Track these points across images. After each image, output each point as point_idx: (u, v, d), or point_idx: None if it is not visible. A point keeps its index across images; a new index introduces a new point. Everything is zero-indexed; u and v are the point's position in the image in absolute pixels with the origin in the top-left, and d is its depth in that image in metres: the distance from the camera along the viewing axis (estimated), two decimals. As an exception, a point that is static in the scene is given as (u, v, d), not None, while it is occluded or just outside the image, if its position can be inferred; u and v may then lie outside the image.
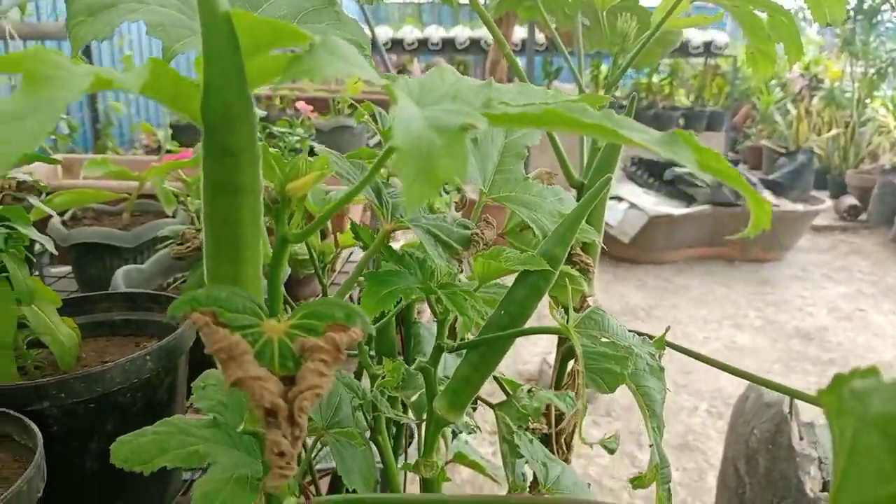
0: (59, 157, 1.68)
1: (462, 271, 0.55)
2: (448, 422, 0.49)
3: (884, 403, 0.17)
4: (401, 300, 0.69)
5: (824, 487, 1.19)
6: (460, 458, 0.79)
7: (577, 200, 0.77)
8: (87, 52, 2.63)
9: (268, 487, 0.26)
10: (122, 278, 1.04)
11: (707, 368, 2.95)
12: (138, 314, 0.89)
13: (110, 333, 0.90)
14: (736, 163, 5.93)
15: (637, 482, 0.47)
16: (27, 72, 0.23)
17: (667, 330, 0.59)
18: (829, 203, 4.58)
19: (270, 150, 0.61)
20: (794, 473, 1.19)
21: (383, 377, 0.58)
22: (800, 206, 4.18)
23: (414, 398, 0.58)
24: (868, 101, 6.15)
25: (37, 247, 1.50)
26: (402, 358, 0.72)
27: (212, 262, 0.32)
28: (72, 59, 0.30)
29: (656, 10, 0.82)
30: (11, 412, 0.60)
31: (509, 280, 0.55)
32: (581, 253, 0.72)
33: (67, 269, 1.45)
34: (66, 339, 0.76)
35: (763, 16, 0.86)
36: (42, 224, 1.37)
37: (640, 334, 0.53)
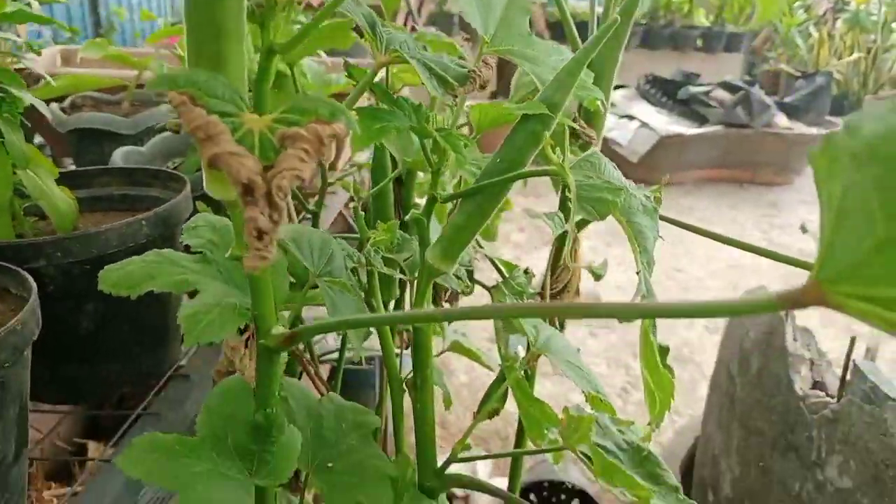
0: (58, 48, 1.64)
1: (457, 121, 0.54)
2: (440, 271, 0.49)
3: (876, 123, 0.17)
4: (396, 167, 0.67)
5: (814, 387, 1.21)
6: (456, 347, 0.80)
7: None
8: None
9: (246, 268, 0.26)
10: (120, 158, 1.04)
11: (706, 287, 2.97)
12: (137, 189, 0.89)
13: (108, 208, 0.90)
14: (752, 84, 5.78)
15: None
16: None
17: (665, 182, 0.58)
18: (844, 128, 4.47)
19: None
20: (784, 373, 1.21)
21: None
22: (814, 130, 4.09)
23: (407, 259, 0.58)
24: (894, 25, 5.93)
25: (36, 139, 1.49)
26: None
27: (194, 49, 0.31)
28: None
29: None
30: (8, 266, 0.61)
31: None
32: (583, 124, 0.70)
33: (68, 161, 1.44)
34: (64, 206, 0.76)
35: None
36: (40, 118, 1.35)
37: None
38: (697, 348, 2.54)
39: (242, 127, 0.28)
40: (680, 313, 0.27)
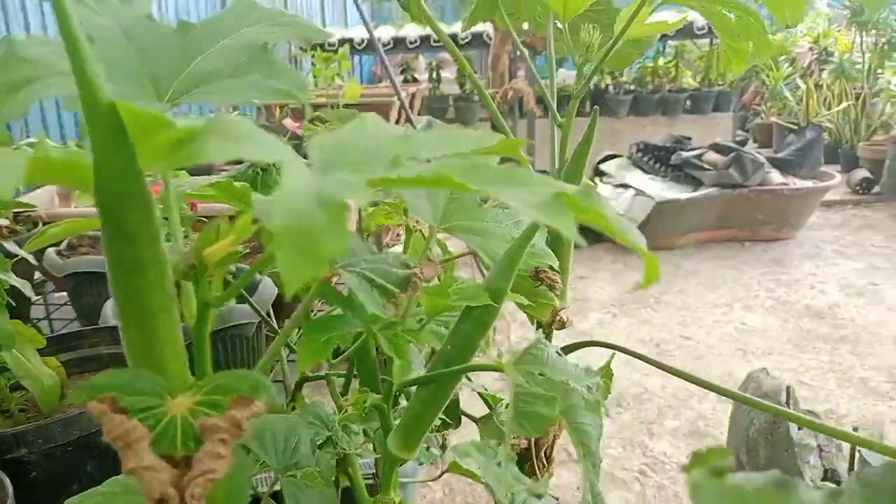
0: (54, 188, 1.70)
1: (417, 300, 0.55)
2: (402, 459, 0.49)
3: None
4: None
5: (825, 476, 1.18)
6: (454, 468, 0.79)
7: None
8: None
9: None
10: (111, 310, 1.06)
11: (718, 353, 2.93)
12: (124, 347, 0.91)
13: (98, 368, 0.92)
14: (744, 142, 5.85)
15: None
16: None
17: (612, 357, 0.59)
18: (839, 178, 4.51)
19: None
20: (793, 463, 1.18)
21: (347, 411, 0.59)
22: (809, 183, 4.12)
23: (374, 433, 0.58)
24: (880, 71, 6.04)
25: (36, 275, 1.52)
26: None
27: (125, 334, 0.33)
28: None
29: (618, 19, 0.82)
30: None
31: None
32: (546, 270, 0.72)
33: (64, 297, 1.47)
34: (49, 381, 0.77)
35: (731, 15, 0.85)
36: (39, 253, 1.39)
37: (586, 370, 0.53)
38: (712, 420, 2.49)
39: (165, 417, 0.30)
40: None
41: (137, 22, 0.43)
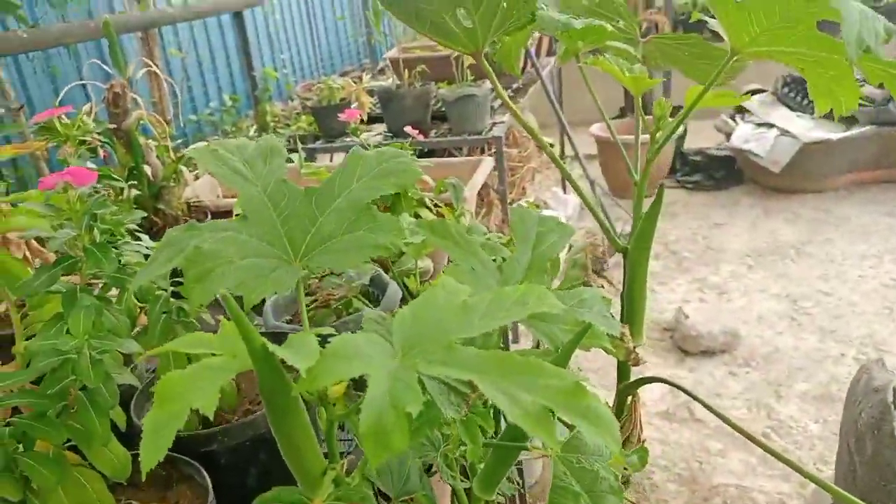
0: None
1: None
2: (484, 499, 0.64)
3: None
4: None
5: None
6: None
7: (623, 264, 0.86)
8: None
9: None
10: (270, 307, 1.28)
11: (861, 311, 2.81)
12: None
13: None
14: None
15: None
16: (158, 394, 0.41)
17: (642, 447, 0.69)
18: None
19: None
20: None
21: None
22: None
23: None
24: None
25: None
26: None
27: (283, 450, 0.50)
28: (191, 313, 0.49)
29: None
30: (190, 461, 0.84)
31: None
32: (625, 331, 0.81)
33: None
34: (227, 385, 1.00)
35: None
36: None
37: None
38: (846, 385, 2.42)
39: (306, 514, 0.46)
40: None
41: (276, 187, 0.58)
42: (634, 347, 0.84)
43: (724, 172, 4.08)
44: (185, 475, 0.85)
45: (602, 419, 0.41)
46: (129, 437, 0.81)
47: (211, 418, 0.42)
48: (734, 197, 3.93)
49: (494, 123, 2.70)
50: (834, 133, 3.64)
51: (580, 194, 0.86)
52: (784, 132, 3.75)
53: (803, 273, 3.13)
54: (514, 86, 3.15)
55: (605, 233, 0.86)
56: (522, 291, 0.51)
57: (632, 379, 0.90)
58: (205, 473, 0.82)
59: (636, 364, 0.83)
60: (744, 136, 3.89)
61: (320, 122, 2.54)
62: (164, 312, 0.94)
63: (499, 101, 2.95)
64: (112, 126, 1.44)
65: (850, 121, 3.68)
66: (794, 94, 3.92)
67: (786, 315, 2.85)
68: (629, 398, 0.90)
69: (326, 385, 0.40)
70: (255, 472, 0.94)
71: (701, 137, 4.27)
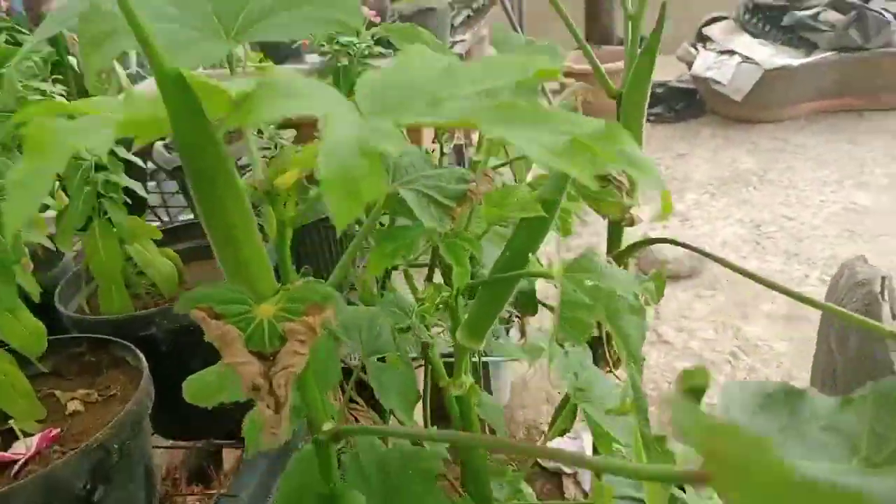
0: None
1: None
2: (471, 348, 0.54)
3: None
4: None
5: (918, 364, 1.16)
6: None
7: (617, 112, 0.76)
8: None
9: (264, 444, 0.33)
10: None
11: (823, 235, 2.80)
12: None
13: (210, 256, 1.02)
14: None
15: (613, 411, 0.51)
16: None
17: (663, 267, 0.60)
18: None
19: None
20: (884, 355, 1.16)
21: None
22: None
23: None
24: None
25: (149, 164, 1.64)
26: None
27: (217, 253, 0.38)
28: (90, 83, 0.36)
29: None
30: (125, 343, 0.73)
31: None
32: (612, 173, 0.72)
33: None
34: (167, 270, 0.87)
35: None
36: (149, 146, 1.49)
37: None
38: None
39: (254, 321, 0.35)
40: (622, 472, 0.31)
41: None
42: (629, 206, 0.74)
43: (684, 104, 4.03)
44: (118, 359, 0.73)
45: (641, 162, 0.31)
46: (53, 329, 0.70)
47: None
48: (695, 128, 3.89)
49: (455, 42, 2.56)
50: (795, 59, 3.60)
51: (578, 40, 0.75)
52: (746, 59, 3.70)
53: (765, 200, 3.11)
54: (475, 5, 2.99)
55: (599, 77, 0.76)
56: (523, 61, 0.40)
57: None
58: (140, 355, 0.71)
59: (631, 224, 0.74)
60: (705, 63, 3.82)
61: None
62: (86, 183, 0.81)
63: (460, 18, 2.79)
64: None
65: (810, 47, 3.64)
66: (756, 20, 3.86)
67: (750, 240, 2.83)
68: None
69: (265, 119, 0.29)
70: (200, 358, 0.82)
71: (663, 72, 4.19)
